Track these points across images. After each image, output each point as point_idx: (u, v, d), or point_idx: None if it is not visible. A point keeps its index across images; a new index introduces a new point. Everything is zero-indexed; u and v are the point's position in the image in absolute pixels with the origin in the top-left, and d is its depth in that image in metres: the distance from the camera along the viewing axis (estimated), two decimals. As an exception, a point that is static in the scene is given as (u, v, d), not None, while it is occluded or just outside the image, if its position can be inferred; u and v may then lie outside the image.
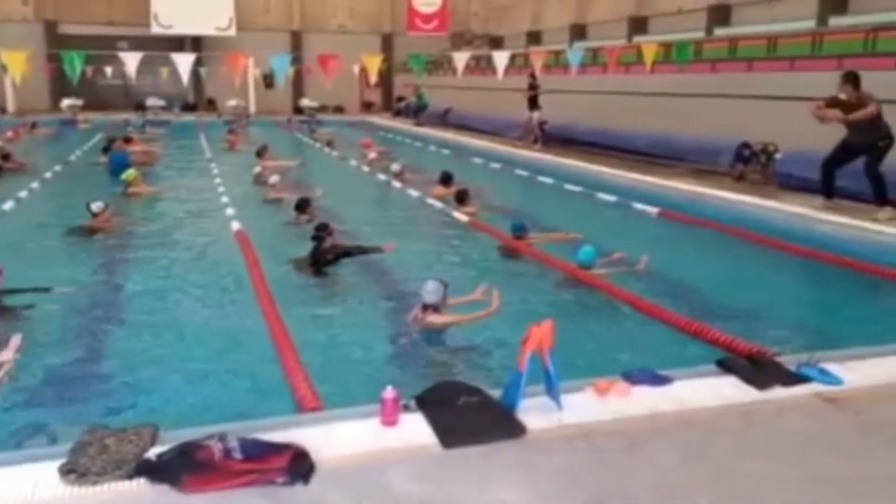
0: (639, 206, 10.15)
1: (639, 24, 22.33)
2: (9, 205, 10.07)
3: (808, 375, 3.83)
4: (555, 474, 2.96)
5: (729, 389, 3.74)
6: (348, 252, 7.14)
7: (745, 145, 11.93)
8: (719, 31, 17.89)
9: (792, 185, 10.63)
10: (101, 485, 2.72)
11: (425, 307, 5.21)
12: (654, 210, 9.86)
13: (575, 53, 17.08)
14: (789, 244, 7.85)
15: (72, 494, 2.69)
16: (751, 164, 11.83)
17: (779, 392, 3.70)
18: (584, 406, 3.51)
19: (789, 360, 4.02)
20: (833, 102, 8.77)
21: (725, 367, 3.96)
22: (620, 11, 23.03)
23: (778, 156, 11.36)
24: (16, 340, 3.52)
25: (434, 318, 5.21)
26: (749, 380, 3.79)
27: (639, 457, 3.12)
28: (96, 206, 8.52)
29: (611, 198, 10.88)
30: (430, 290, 5.17)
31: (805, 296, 6.81)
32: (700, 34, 17.96)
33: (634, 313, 5.66)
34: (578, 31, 25.23)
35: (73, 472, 2.73)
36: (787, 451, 3.18)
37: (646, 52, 15.00)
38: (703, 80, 14.25)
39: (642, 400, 3.59)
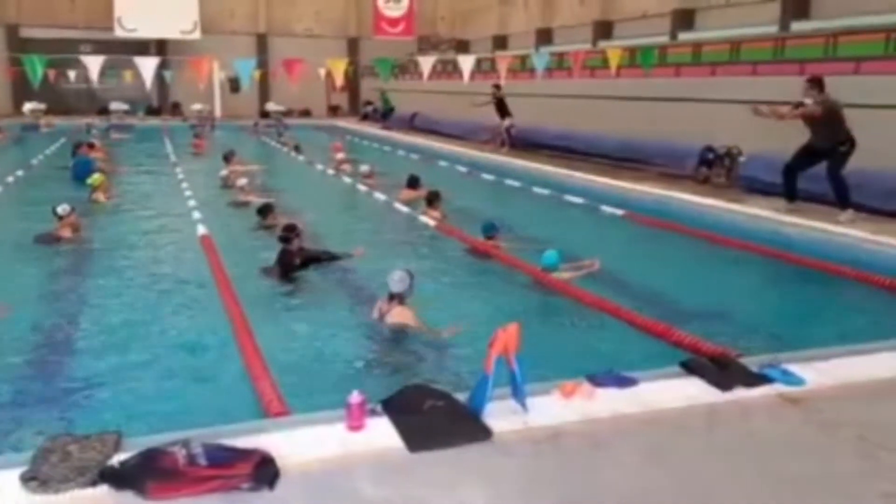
0: (605, 208, 10.26)
1: (604, 29, 22.58)
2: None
3: (771, 376, 3.89)
4: (520, 476, 2.98)
5: (693, 390, 3.79)
6: (317, 258, 7.10)
7: (709, 149, 12.13)
8: (683, 36, 18.18)
9: (756, 188, 10.84)
10: (63, 493, 2.68)
11: (391, 297, 5.25)
12: (620, 212, 9.97)
13: (541, 58, 17.21)
14: (753, 246, 7.99)
15: (34, 502, 2.64)
16: (715, 167, 12.03)
17: (742, 393, 3.76)
18: (550, 408, 3.53)
19: (752, 361, 4.08)
20: (798, 108, 8.96)
21: (689, 368, 4.01)
22: (586, 16, 23.27)
23: (742, 159, 11.57)
24: None
25: (398, 312, 5.22)
26: (713, 381, 3.84)
27: (604, 458, 3.16)
28: (62, 209, 8.36)
29: (578, 200, 10.98)
30: (397, 280, 5.24)
31: (768, 297, 6.93)
32: (665, 39, 18.23)
33: (600, 315, 5.71)
34: (544, 36, 25.45)
35: (35, 479, 2.68)
36: (750, 452, 3.23)
37: (611, 57, 15.18)
38: (668, 84, 14.47)
39: (607, 401, 3.62)
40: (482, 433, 3.25)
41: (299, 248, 7.02)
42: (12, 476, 2.75)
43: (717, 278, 7.21)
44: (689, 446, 3.29)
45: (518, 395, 3.49)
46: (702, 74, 13.89)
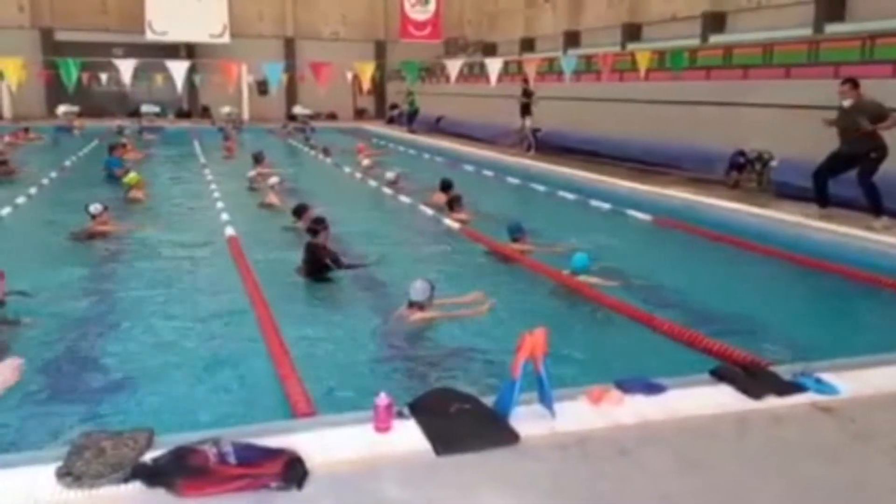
0: (633, 213, 10.18)
1: (633, 31, 22.42)
2: (6, 210, 10.05)
3: (804, 385, 3.83)
4: (547, 482, 2.97)
5: (723, 398, 3.74)
6: (338, 263, 7.14)
7: (740, 153, 11.98)
8: (714, 39, 17.99)
9: (787, 193, 10.68)
10: (97, 488, 2.73)
11: (411, 305, 5.40)
12: (647, 217, 9.89)
13: (569, 60, 17.16)
14: (784, 252, 7.87)
15: (68, 498, 2.70)
16: (746, 171, 11.88)
17: (773, 401, 3.70)
18: (578, 414, 3.51)
19: (784, 370, 4.02)
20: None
21: (719, 375, 3.96)
22: (614, 18, 23.13)
23: (773, 164, 11.41)
24: (15, 362, 3.50)
25: (419, 316, 5.37)
26: (743, 389, 3.80)
27: (632, 465, 3.13)
28: (94, 208, 8.54)
29: (605, 205, 10.91)
30: (418, 289, 5.41)
31: (800, 304, 6.81)
32: (695, 41, 18.06)
33: (627, 321, 5.66)
34: (572, 38, 25.33)
35: (70, 475, 2.73)
36: (781, 460, 3.19)
37: (640, 60, 15.07)
38: (698, 87, 14.33)
39: (635, 408, 3.59)
40: (509, 437, 3.24)
41: (325, 243, 7.07)
42: (48, 471, 2.81)
43: (747, 285, 7.10)
44: (719, 454, 3.25)
45: (545, 399, 3.48)
46: (733, 77, 13.74)
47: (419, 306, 5.41)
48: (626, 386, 3.75)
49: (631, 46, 20.65)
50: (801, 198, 10.14)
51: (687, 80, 14.74)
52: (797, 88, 11.74)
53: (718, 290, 6.79)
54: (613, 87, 16.59)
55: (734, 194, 11.25)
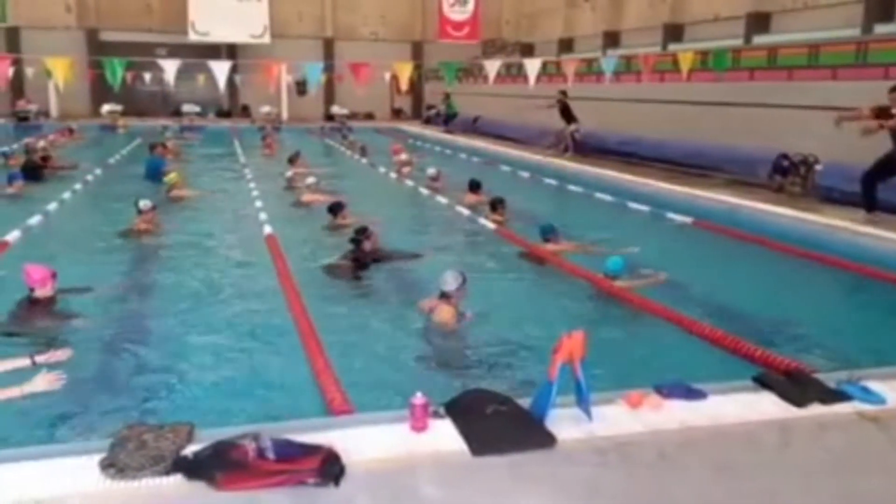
0: (673, 216, 10.04)
1: (674, 32, 22.11)
2: (52, 206, 10.32)
3: (849, 393, 3.74)
4: (584, 486, 2.94)
5: (766, 405, 3.67)
6: (385, 258, 7.18)
7: (784, 156, 11.73)
8: (758, 39, 17.65)
9: (833, 197, 10.43)
10: (139, 480, 2.78)
11: (441, 295, 5.40)
12: (688, 220, 9.75)
13: (609, 61, 17.00)
14: (829, 258, 7.69)
15: (111, 488, 2.76)
16: (790, 175, 11.63)
17: (818, 409, 3.62)
18: (616, 418, 3.47)
19: (829, 377, 3.93)
20: (881, 112, 8.57)
21: (762, 382, 3.89)
22: (655, 19, 22.85)
23: (818, 167, 11.15)
24: (51, 376, 3.67)
25: (442, 311, 5.37)
26: (787, 396, 3.72)
27: (672, 471, 3.08)
28: (143, 203, 8.73)
29: (643, 207, 10.78)
30: (448, 280, 5.39)
31: (845, 311, 6.65)
32: (738, 42, 17.74)
33: (665, 326, 5.58)
34: (612, 39, 25.09)
35: (113, 466, 2.79)
36: (825, 470, 3.11)
37: (682, 60, 14.86)
38: (741, 88, 14.05)
39: (675, 414, 3.54)
40: (546, 440, 3.21)
41: (371, 251, 7.11)
42: (92, 462, 2.87)
43: (791, 291, 6.94)
44: (761, 462, 3.18)
45: (582, 403, 3.44)
46: (777, 79, 13.44)
47: (447, 297, 5.40)
48: (666, 391, 3.69)
49: (672, 47, 20.37)
50: (846, 202, 9.90)
51: (730, 81, 14.47)
52: (844, 90, 11.45)
53: (760, 295, 6.65)
54: (654, 88, 16.38)
55: (778, 198, 11.02)
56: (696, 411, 3.57)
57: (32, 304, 5.50)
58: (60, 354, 3.87)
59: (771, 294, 6.74)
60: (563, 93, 17.65)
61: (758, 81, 13.95)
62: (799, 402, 3.66)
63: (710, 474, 3.06)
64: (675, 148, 14.69)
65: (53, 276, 5.60)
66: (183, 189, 11.62)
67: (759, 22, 18.63)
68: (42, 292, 5.50)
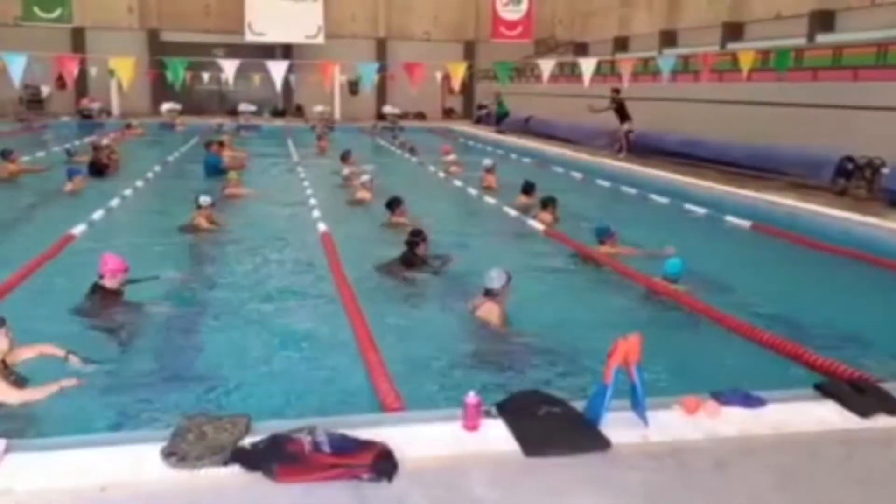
0: (731, 219, 9.80)
1: (734, 30, 21.62)
2: (115, 202, 10.67)
3: (917, 403, 3.60)
4: (640, 491, 2.90)
5: (828, 415, 3.55)
6: (437, 262, 7.18)
7: (849, 159, 11.37)
8: (822, 38, 17.12)
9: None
10: (198, 469, 2.85)
11: (486, 293, 5.40)
12: (746, 224, 9.51)
13: (666, 60, 16.70)
14: (895, 264, 7.40)
15: (172, 476, 2.84)
16: (854, 178, 11.27)
17: (883, 420, 3.50)
18: (672, 423, 3.41)
19: (895, 387, 3.78)
20: None
21: (825, 391, 3.77)
22: (714, 17, 22.37)
23: (885, 170, 10.76)
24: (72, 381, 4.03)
25: (487, 308, 5.36)
26: (850, 406, 3.59)
27: (730, 479, 3.02)
28: (203, 199, 8.96)
29: (700, 210, 10.56)
30: (493, 277, 5.39)
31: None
32: (801, 41, 17.23)
33: (723, 331, 5.45)
34: (668, 38, 24.66)
35: (174, 455, 2.87)
36: (890, 483, 3.00)
37: (743, 60, 14.50)
38: (804, 88, 13.65)
39: (734, 421, 3.46)
40: (600, 443, 3.18)
41: (423, 254, 7.14)
42: (154, 450, 2.95)
43: (855, 298, 6.68)
44: (824, 474, 3.09)
45: (638, 407, 3.39)
46: (842, 79, 13.01)
47: (493, 295, 5.39)
48: (724, 397, 3.61)
49: (731, 46, 19.91)
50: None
51: (792, 81, 14.07)
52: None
53: (823, 302, 6.43)
54: (713, 87, 16.02)
55: (841, 202, 10.68)
56: (755, 419, 3.49)
57: (101, 293, 5.69)
58: (86, 365, 4.18)
59: (834, 300, 6.52)
60: (617, 90, 17.42)
61: (821, 81, 13.54)
62: (863, 412, 3.54)
63: (770, 484, 2.98)
64: (735, 149, 14.36)
65: (126, 269, 5.79)
66: (239, 187, 11.87)
67: (823, 20, 18.10)
68: (111, 283, 5.69)
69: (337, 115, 30.05)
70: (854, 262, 7.75)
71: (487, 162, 13.26)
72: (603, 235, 7.76)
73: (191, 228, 8.81)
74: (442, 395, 4.30)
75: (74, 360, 4.29)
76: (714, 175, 13.78)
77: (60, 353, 4.32)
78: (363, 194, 11.18)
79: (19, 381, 4.04)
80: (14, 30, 27.77)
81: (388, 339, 5.06)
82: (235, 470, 2.85)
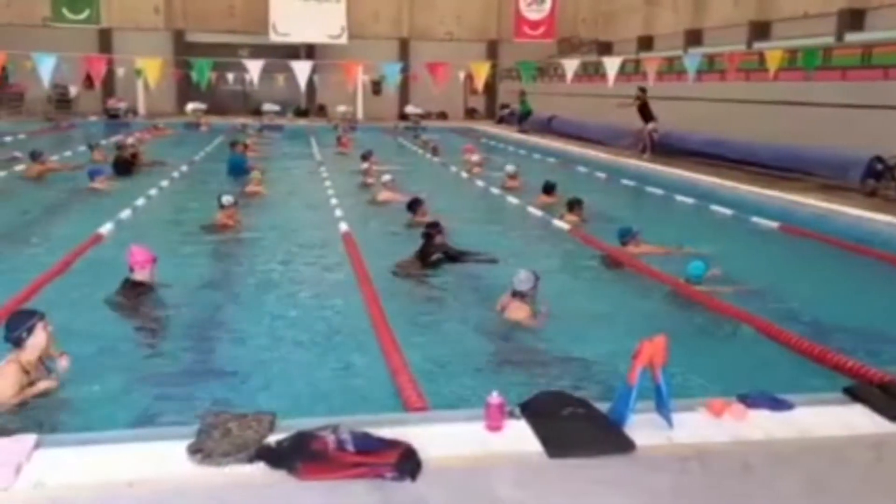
0: (757, 220, 9.68)
1: (760, 29, 21.36)
2: (141, 201, 10.80)
3: (950, 408, 3.52)
4: (665, 493, 2.87)
5: (858, 419, 3.48)
6: (458, 256, 7.21)
7: (878, 159, 11.19)
8: (851, 37, 16.85)
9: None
10: (224, 466, 2.86)
11: (514, 294, 5.46)
12: (773, 225, 9.38)
13: (692, 59, 16.56)
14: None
15: (198, 473, 2.85)
16: (884, 179, 11.08)
17: (916, 425, 3.43)
18: (697, 426, 3.36)
19: (928, 392, 3.71)
20: None
21: (854, 394, 3.69)
22: (740, 16, 22.13)
23: (916, 171, 10.59)
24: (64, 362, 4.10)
25: (517, 308, 5.43)
26: (881, 410, 3.51)
27: (756, 483, 2.98)
28: (226, 199, 9.05)
29: (726, 210, 10.45)
30: (522, 279, 5.47)
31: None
32: (829, 40, 16.99)
33: (749, 333, 5.40)
34: (694, 37, 24.44)
35: (200, 451, 2.89)
36: (924, 490, 2.94)
37: (770, 59, 14.33)
38: (833, 88, 13.46)
39: (760, 424, 3.40)
40: (624, 445, 3.14)
41: (441, 243, 7.18)
42: (180, 447, 2.98)
43: (884, 300, 6.58)
44: (853, 480, 3.04)
45: (663, 409, 3.35)
46: (872, 78, 12.81)
47: (521, 296, 5.45)
48: (751, 400, 3.55)
49: (758, 45, 19.67)
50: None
51: (820, 80, 13.86)
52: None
53: (852, 304, 6.33)
54: (739, 87, 15.85)
55: (871, 203, 10.51)
56: (782, 423, 3.43)
57: (131, 287, 5.78)
58: (65, 363, 4.19)
59: (863, 303, 6.42)
60: (643, 90, 17.30)
61: (850, 81, 13.33)
62: (894, 416, 3.46)
63: (798, 489, 2.94)
64: (762, 150, 14.19)
65: (154, 260, 5.87)
66: (260, 186, 11.95)
67: (852, 18, 17.81)
68: (141, 275, 5.77)
69: (360, 115, 30.16)
70: (884, 264, 7.62)
71: (510, 168, 13.17)
72: (625, 236, 7.72)
73: (214, 228, 8.89)
74: (465, 394, 4.29)
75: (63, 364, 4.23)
76: (740, 176, 13.63)
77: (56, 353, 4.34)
78: (386, 194, 11.21)
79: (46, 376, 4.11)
80: (43, 31, 28.27)
81: (410, 339, 5.07)
82: (260, 467, 2.86)
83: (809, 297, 6.43)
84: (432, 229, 7.28)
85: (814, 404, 3.62)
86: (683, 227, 9.88)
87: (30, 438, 3.00)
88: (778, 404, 3.57)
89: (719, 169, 14.57)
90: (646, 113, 17.32)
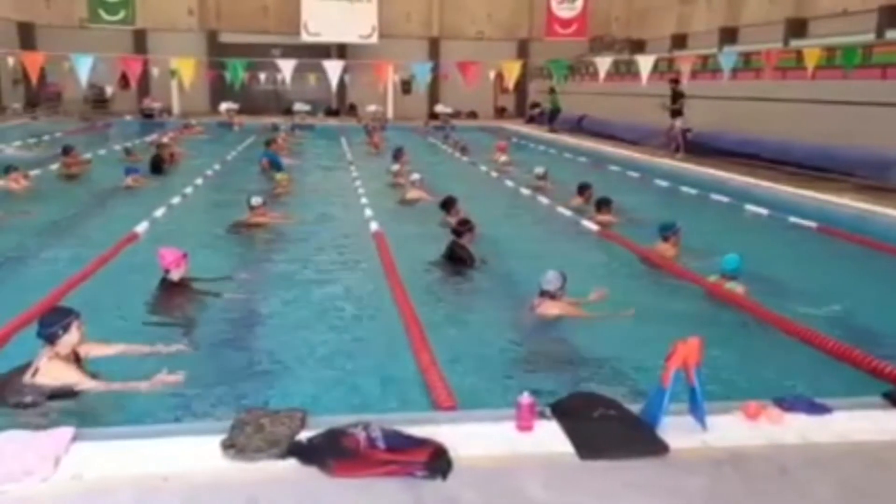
0: (795, 220, 9.50)
1: (798, 27, 20.97)
2: (176, 199, 10.96)
3: None
4: (699, 496, 2.83)
5: (897, 424, 3.41)
6: (469, 261, 7.17)
7: (919, 159, 10.90)
8: (892, 34, 16.45)
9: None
10: (256, 461, 2.90)
11: (542, 294, 5.52)
12: (811, 225, 9.20)
13: (728, 57, 16.30)
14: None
15: (231, 468, 2.90)
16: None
17: (958, 431, 3.34)
18: (732, 429, 3.32)
19: (971, 397, 3.61)
20: None
21: (893, 399, 3.62)
22: (777, 13, 21.75)
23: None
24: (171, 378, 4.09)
25: (549, 306, 5.48)
26: (922, 415, 3.44)
27: (793, 487, 2.92)
28: (255, 200, 9.14)
29: (762, 211, 10.27)
30: (550, 279, 5.54)
31: None
32: (869, 37, 16.60)
33: (785, 335, 5.28)
34: (729, 35, 24.07)
35: (233, 447, 2.93)
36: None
37: (808, 57, 14.04)
38: (873, 86, 13.13)
39: (797, 428, 3.35)
40: (658, 447, 3.11)
41: (468, 243, 7.15)
42: (213, 442, 3.02)
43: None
44: (891, 485, 2.98)
45: (696, 411, 3.32)
46: (915, 76, 12.49)
47: (549, 296, 5.49)
48: (787, 404, 3.50)
49: (795, 43, 19.31)
50: None
51: (859, 78, 13.55)
52: None
53: (891, 308, 6.18)
54: (775, 85, 15.56)
55: (911, 204, 10.25)
56: (819, 427, 3.37)
57: (168, 286, 5.88)
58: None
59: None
60: (676, 80, 17.06)
61: (891, 80, 13.00)
62: (936, 422, 3.39)
63: (835, 494, 2.88)
64: (800, 149, 13.90)
65: (185, 256, 5.97)
66: (288, 187, 12.04)
67: (892, 15, 17.37)
68: (177, 273, 5.88)
69: (390, 114, 30.25)
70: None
71: (539, 170, 13.04)
72: (667, 231, 7.58)
73: (244, 227, 8.97)
74: (496, 393, 4.28)
75: (163, 378, 4.14)
76: (776, 175, 13.39)
77: (145, 349, 4.51)
78: (414, 192, 11.21)
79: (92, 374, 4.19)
80: (80, 32, 28.88)
81: (441, 338, 5.07)
82: (292, 463, 2.89)
83: (847, 300, 6.27)
84: (462, 227, 7.26)
85: (852, 409, 3.57)
86: (718, 227, 9.72)
87: (68, 431, 3.07)
88: (815, 408, 3.52)
89: (754, 168, 14.32)
90: (676, 99, 17.00)
